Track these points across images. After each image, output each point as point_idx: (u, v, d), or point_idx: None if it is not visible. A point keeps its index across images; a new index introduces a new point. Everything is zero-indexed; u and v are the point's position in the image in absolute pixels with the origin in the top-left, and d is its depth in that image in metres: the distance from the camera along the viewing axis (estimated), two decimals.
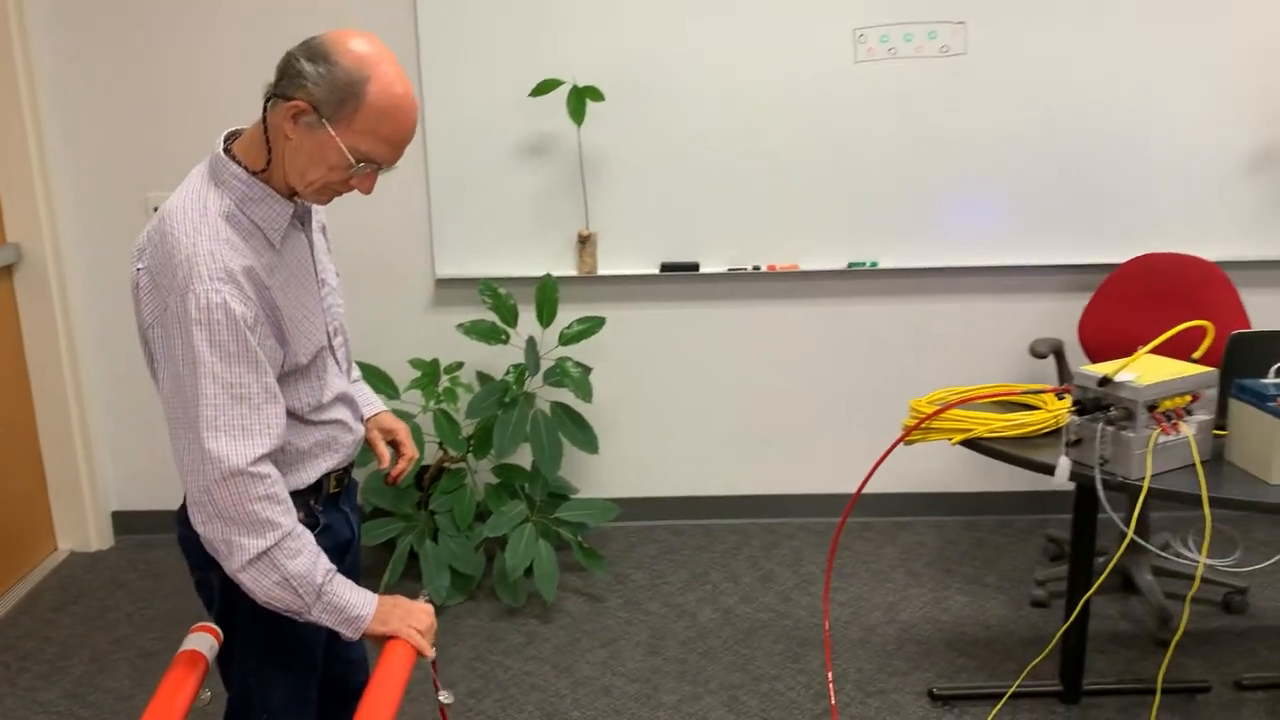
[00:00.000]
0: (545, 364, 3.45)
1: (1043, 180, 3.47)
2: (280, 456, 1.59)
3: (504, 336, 3.36)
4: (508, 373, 3.35)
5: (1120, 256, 3.41)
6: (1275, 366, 2.24)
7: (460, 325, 3.33)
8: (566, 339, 3.40)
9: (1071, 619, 2.63)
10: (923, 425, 2.43)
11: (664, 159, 3.46)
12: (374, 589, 3.23)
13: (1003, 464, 3.76)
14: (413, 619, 1.60)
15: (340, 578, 1.57)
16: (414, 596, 1.69)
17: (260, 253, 1.57)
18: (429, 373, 3.39)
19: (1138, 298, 3.29)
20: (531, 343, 3.34)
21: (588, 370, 3.38)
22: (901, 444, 2.48)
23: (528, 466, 3.42)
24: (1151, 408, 2.14)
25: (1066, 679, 2.71)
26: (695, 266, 3.55)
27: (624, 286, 3.61)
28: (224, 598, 1.65)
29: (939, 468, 3.77)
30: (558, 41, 3.38)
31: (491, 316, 3.42)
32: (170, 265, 1.49)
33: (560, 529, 3.34)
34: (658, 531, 3.75)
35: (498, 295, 3.37)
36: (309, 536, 1.55)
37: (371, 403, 1.97)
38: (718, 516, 3.81)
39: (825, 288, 3.60)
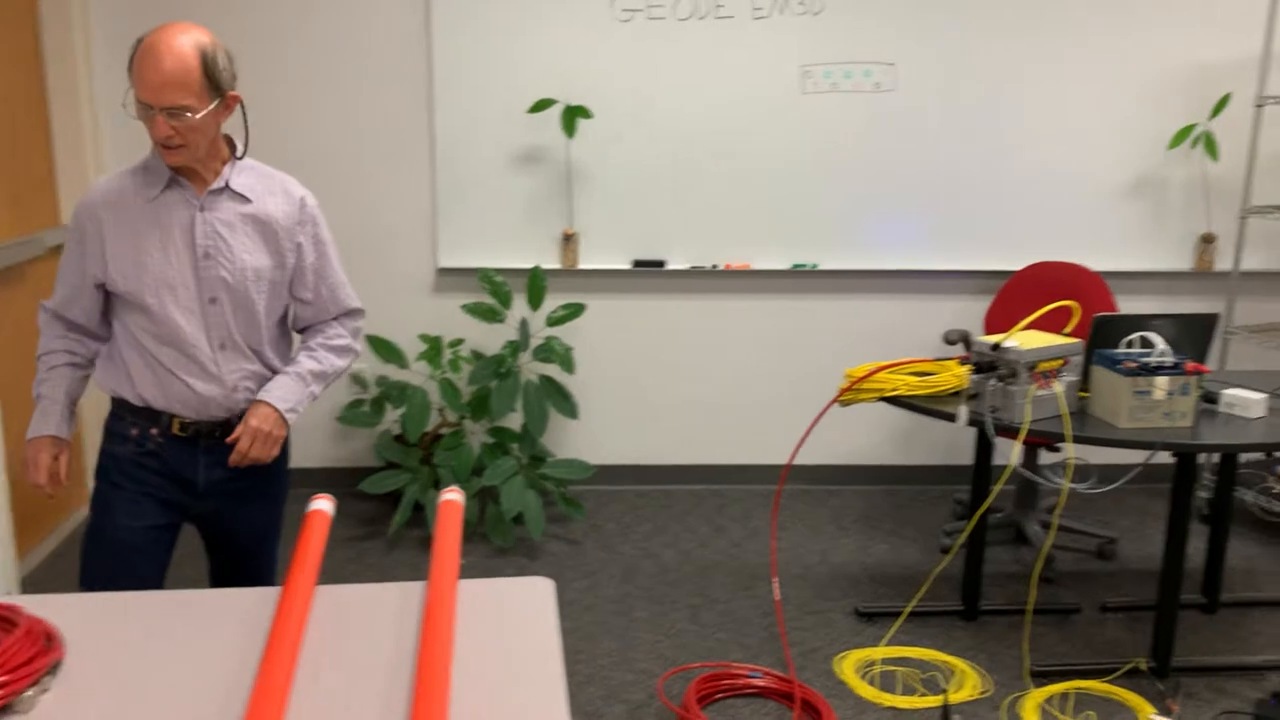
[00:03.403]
0: (534, 342, 4.00)
1: (957, 199, 4.12)
2: (120, 363, 2.10)
3: (500, 317, 3.90)
4: (503, 348, 3.89)
5: (1018, 264, 4.08)
6: (1125, 339, 2.89)
7: (464, 305, 3.86)
8: (553, 321, 3.94)
9: (968, 531, 3.24)
10: (855, 386, 3.03)
11: (639, 170, 4.04)
12: (382, 533, 3.75)
13: (921, 440, 4.41)
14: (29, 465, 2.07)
15: (45, 405, 2.09)
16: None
17: (132, 194, 2.04)
18: (434, 347, 3.92)
19: (1031, 297, 3.95)
20: (524, 323, 3.89)
21: (570, 348, 3.93)
22: (836, 406, 3.08)
23: (517, 429, 3.95)
24: (1031, 368, 2.76)
25: (967, 600, 3.32)
26: (662, 264, 4.13)
27: (601, 279, 4.17)
28: None
29: (866, 444, 4.39)
30: (552, 66, 3.95)
31: (489, 300, 3.96)
32: None
33: (545, 482, 3.88)
34: (623, 494, 4.31)
35: (494, 282, 3.91)
36: (47, 370, 2.10)
37: (266, 390, 2.12)
38: (676, 482, 4.38)
39: (773, 285, 4.21)
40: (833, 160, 4.07)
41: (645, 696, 2.87)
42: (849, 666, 3.04)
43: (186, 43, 1.91)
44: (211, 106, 1.96)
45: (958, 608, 3.35)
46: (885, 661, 3.08)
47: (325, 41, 3.93)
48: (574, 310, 3.96)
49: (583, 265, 4.11)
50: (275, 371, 2.18)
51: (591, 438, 4.31)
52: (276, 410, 2.11)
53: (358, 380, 4.09)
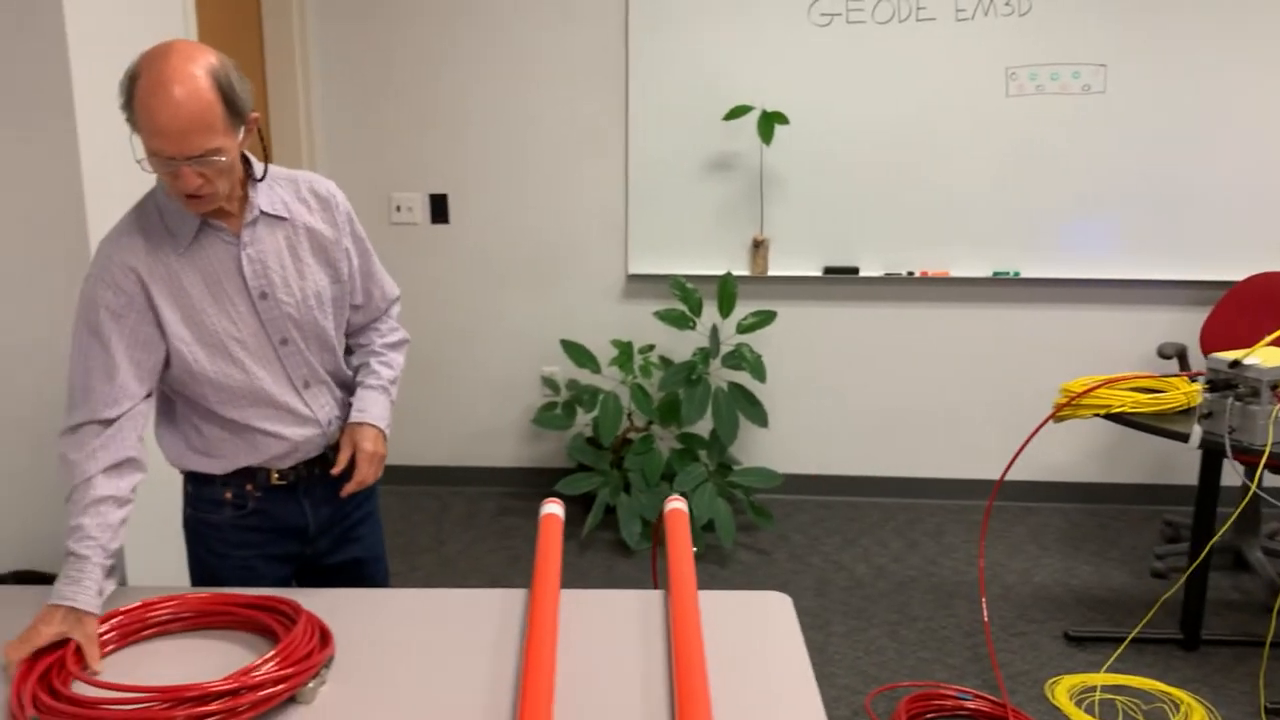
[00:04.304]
0: (724, 349, 3.99)
1: (1169, 205, 3.91)
2: (197, 439, 1.85)
3: (691, 324, 3.91)
4: (693, 355, 3.90)
5: (1236, 274, 3.84)
6: None
7: (656, 312, 3.88)
8: (743, 328, 3.93)
9: (1200, 559, 3.07)
10: (1073, 402, 2.91)
11: (832, 175, 3.99)
12: (574, 534, 3.81)
13: (1123, 458, 4.20)
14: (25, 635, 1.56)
15: (74, 562, 1.60)
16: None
17: (162, 252, 1.72)
18: (625, 352, 3.96)
19: (1256, 310, 3.71)
20: (714, 330, 3.88)
21: (760, 355, 3.90)
22: (1036, 421, 2.96)
23: (705, 436, 3.95)
24: (1274, 387, 2.59)
25: (1187, 628, 3.14)
26: (855, 270, 4.06)
27: (792, 286, 4.14)
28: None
29: (1066, 460, 4.21)
30: (748, 72, 3.93)
31: (680, 306, 3.97)
32: None
33: (734, 490, 3.87)
34: (810, 505, 4.25)
35: (685, 289, 3.92)
36: (82, 504, 1.64)
37: (362, 410, 1.94)
38: (864, 494, 4.30)
39: (971, 293, 4.09)
40: (1037, 165, 3.92)
41: (849, 713, 2.82)
42: (1062, 692, 2.91)
43: (197, 72, 1.57)
44: (239, 139, 1.66)
45: (1176, 636, 3.17)
46: (1103, 689, 2.94)
47: (524, 49, 4.02)
48: (765, 318, 3.93)
49: (773, 272, 4.08)
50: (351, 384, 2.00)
51: (778, 446, 4.28)
52: (380, 430, 1.93)
53: (549, 383, 4.16)
